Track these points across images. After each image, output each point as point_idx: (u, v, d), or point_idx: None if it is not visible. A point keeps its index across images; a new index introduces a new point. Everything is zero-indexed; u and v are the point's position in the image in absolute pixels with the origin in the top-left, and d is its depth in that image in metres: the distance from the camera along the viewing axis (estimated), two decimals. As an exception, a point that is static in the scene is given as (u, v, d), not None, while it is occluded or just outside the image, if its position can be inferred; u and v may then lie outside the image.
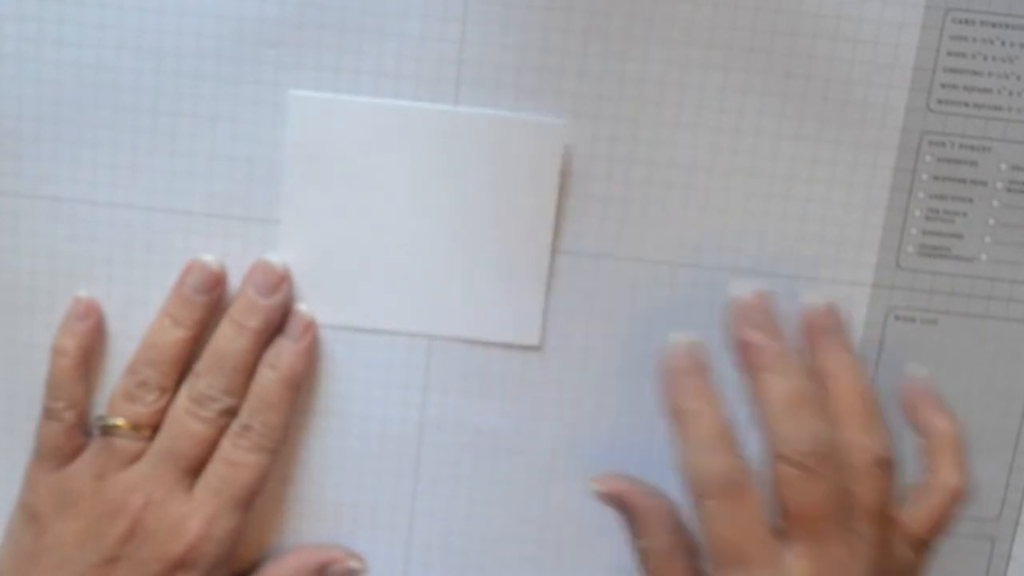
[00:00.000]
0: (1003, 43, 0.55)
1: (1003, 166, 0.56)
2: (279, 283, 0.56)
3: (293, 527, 0.60)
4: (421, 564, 0.61)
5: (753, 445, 0.50)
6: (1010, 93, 0.55)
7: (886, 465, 0.51)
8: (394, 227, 0.57)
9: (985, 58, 0.55)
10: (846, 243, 0.57)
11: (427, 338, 0.58)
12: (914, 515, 0.52)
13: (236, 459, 0.55)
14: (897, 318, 0.58)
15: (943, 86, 0.55)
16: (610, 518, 0.56)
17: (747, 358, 0.50)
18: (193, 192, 0.57)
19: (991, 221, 0.57)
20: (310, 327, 0.57)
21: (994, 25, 0.55)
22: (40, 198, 0.57)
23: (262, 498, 0.58)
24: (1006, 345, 0.58)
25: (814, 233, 0.57)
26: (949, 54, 0.55)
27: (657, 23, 0.55)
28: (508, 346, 0.58)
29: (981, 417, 0.59)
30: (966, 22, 0.55)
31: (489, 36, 0.55)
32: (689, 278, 0.54)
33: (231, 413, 0.56)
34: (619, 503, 0.55)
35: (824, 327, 0.54)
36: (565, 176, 0.56)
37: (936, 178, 0.57)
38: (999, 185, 0.57)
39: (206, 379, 0.55)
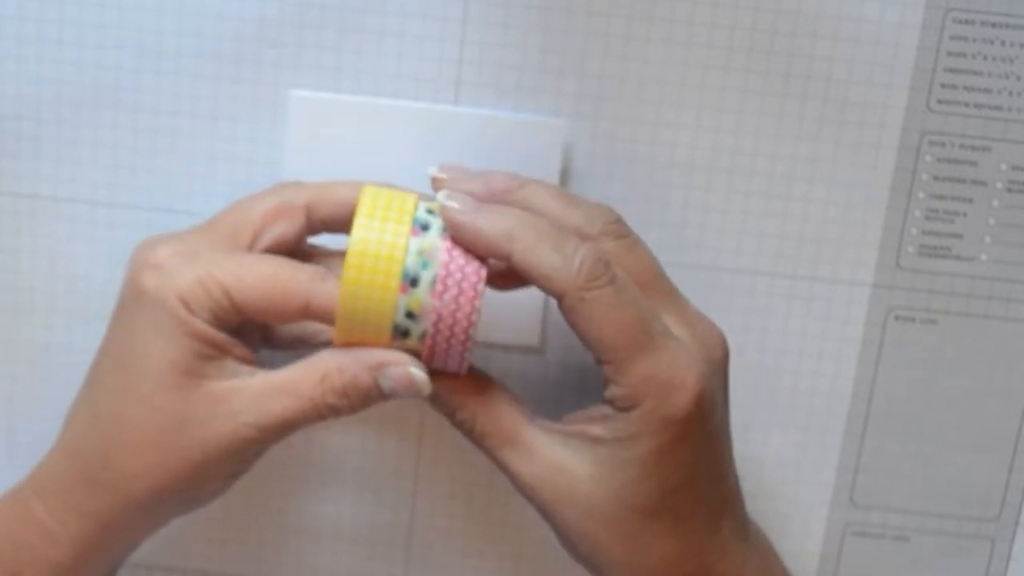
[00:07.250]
0: (1003, 43, 0.55)
1: (1003, 166, 0.56)
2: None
3: (294, 527, 0.60)
4: (421, 563, 0.61)
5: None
6: (1010, 93, 0.55)
7: (616, 222, 0.52)
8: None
9: (985, 58, 0.55)
10: (846, 243, 0.57)
11: (427, 338, 0.58)
12: None
13: None
14: (897, 318, 0.58)
15: (943, 86, 0.55)
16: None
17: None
18: (193, 192, 0.57)
19: (991, 221, 0.57)
20: None
21: (994, 25, 0.55)
22: (40, 198, 0.57)
23: (262, 498, 0.58)
24: (1006, 345, 0.58)
25: (814, 233, 0.57)
26: (949, 54, 0.55)
27: (657, 23, 0.55)
28: (508, 346, 0.58)
29: (981, 417, 0.59)
30: (966, 22, 0.55)
31: (489, 36, 0.55)
32: (689, 278, 0.54)
33: None
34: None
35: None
36: (565, 176, 0.56)
37: (936, 178, 0.57)
38: (999, 185, 0.57)
39: None
